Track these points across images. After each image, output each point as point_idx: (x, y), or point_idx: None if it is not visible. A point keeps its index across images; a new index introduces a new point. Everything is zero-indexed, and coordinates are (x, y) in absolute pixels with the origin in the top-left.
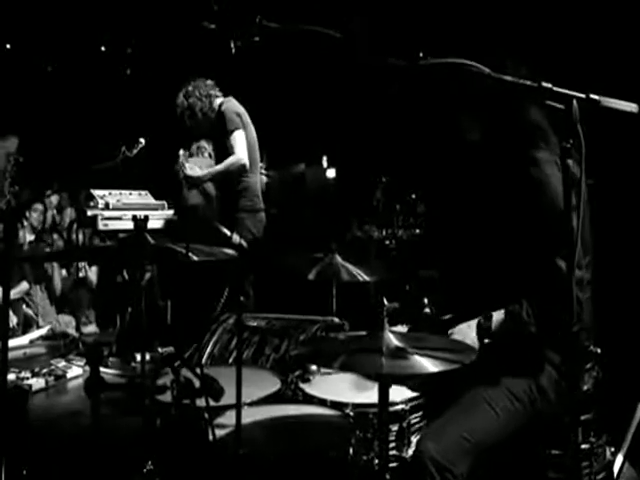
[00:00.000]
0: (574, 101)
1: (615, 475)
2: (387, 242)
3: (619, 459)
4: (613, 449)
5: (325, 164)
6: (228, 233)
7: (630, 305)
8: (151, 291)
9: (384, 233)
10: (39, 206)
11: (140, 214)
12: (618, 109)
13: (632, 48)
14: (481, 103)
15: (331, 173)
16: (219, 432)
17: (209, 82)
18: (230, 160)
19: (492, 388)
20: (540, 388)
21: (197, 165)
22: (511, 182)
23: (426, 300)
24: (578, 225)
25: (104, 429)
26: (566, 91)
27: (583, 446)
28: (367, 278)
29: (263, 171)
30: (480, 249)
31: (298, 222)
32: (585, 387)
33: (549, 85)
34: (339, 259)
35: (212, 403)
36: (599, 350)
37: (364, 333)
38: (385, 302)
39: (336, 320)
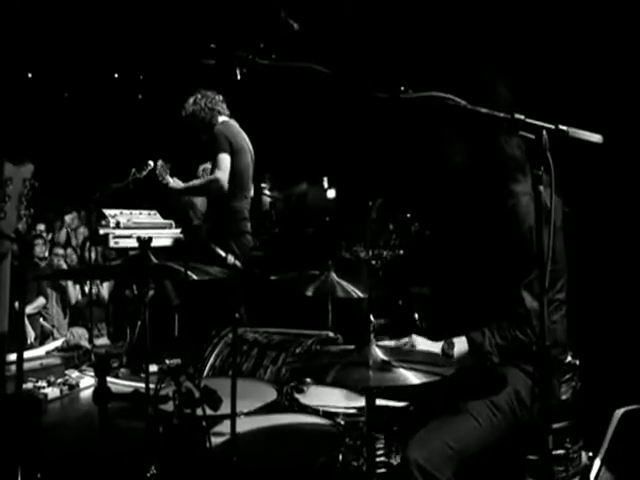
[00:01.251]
0: (544, 132)
1: (592, 479)
2: (373, 262)
3: (597, 463)
4: (591, 453)
5: (326, 185)
6: (223, 254)
7: (608, 320)
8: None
9: (370, 254)
10: (41, 226)
11: (149, 232)
12: (584, 139)
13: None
14: (464, 129)
15: (331, 193)
16: (217, 439)
17: (219, 97)
18: (208, 179)
19: (474, 398)
20: (519, 397)
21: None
22: (489, 211)
23: (416, 315)
24: (547, 254)
25: (111, 436)
26: (536, 122)
27: (559, 452)
28: (361, 295)
29: (267, 192)
30: (467, 268)
31: (298, 241)
32: (564, 397)
33: (521, 117)
34: (334, 276)
35: (210, 412)
36: (577, 362)
37: (352, 347)
38: (372, 318)
39: (330, 334)
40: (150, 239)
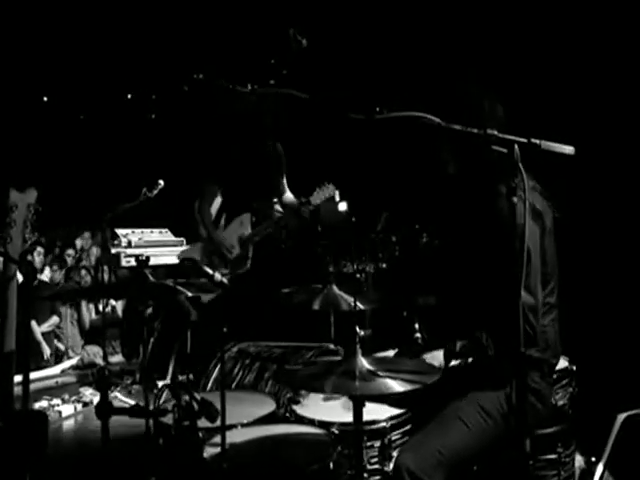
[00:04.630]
0: (515, 145)
1: None
2: (358, 276)
3: (599, 468)
4: (593, 458)
5: (337, 198)
6: (210, 272)
7: (605, 326)
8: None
9: (355, 267)
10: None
11: (160, 251)
12: (556, 151)
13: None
14: (449, 140)
15: (343, 206)
16: (213, 450)
17: None
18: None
19: (465, 405)
20: (509, 402)
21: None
22: (483, 215)
23: (417, 325)
24: (523, 254)
25: (114, 448)
26: (508, 136)
27: (551, 456)
28: (363, 307)
29: (278, 207)
30: (468, 273)
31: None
32: (560, 402)
33: (494, 132)
34: (336, 290)
35: (208, 424)
36: (574, 367)
37: (339, 358)
38: (358, 330)
39: (331, 346)
40: (148, 259)
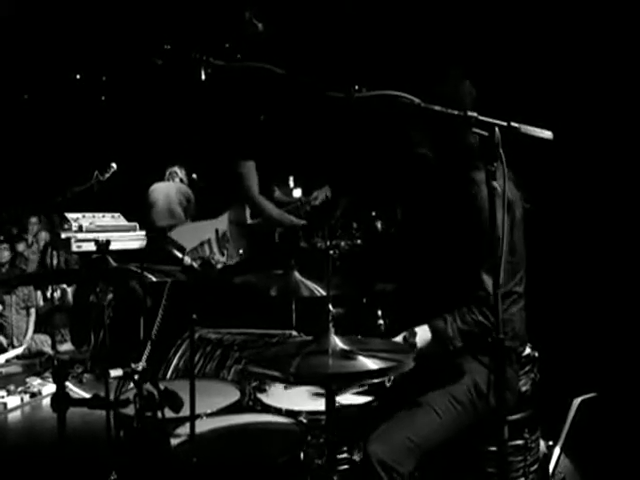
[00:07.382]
0: (496, 128)
1: (552, 466)
2: (331, 252)
3: (556, 451)
4: (551, 442)
5: (292, 184)
6: (180, 255)
7: (566, 313)
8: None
9: (328, 244)
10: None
11: (113, 235)
12: (535, 136)
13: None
14: (425, 122)
15: (297, 193)
16: (177, 440)
17: None
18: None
19: (435, 392)
20: (478, 389)
21: None
22: (452, 199)
23: (379, 312)
24: (502, 244)
25: (71, 442)
26: (489, 119)
27: (517, 442)
28: (324, 293)
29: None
30: (431, 258)
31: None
32: (523, 388)
33: (474, 114)
34: (298, 276)
35: (172, 415)
36: (536, 354)
37: (311, 338)
38: (330, 308)
39: (294, 333)
40: (108, 242)
